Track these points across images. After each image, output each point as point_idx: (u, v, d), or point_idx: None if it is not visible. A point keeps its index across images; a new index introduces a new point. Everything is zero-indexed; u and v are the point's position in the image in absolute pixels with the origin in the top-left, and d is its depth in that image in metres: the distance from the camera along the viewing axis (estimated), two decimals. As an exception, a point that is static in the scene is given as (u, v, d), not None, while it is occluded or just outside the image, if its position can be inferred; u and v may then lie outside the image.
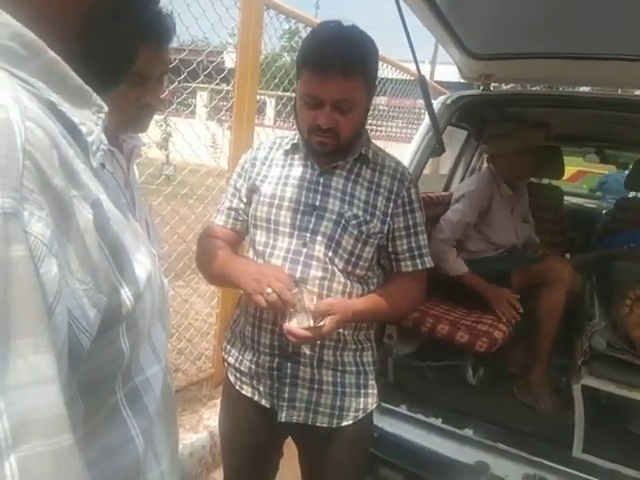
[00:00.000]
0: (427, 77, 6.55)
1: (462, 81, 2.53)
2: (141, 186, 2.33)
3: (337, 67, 1.10)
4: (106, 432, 0.47)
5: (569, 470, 1.65)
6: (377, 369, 1.39)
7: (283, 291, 1.12)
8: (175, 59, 2.35)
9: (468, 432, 1.83)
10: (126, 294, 0.46)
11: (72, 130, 0.43)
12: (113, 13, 0.48)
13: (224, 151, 2.45)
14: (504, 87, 3.08)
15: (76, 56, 0.45)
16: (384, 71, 4.57)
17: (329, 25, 1.18)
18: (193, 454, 2.20)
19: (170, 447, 0.58)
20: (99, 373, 0.44)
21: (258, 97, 2.45)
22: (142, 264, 0.50)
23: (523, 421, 1.94)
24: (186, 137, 2.56)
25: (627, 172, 4.05)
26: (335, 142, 1.20)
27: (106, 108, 0.47)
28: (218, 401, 1.52)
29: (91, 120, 0.46)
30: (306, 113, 1.19)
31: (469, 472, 1.70)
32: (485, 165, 2.81)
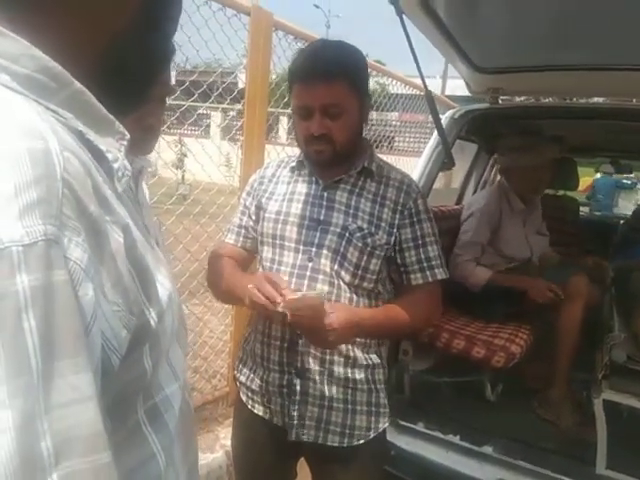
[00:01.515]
0: (438, 92, 6.59)
1: (474, 96, 2.54)
2: (155, 206, 2.38)
3: (320, 73, 1.15)
4: (129, 450, 0.48)
5: None
6: (392, 386, 1.36)
7: (261, 284, 1.11)
8: (186, 81, 2.41)
9: (487, 449, 1.79)
10: (150, 315, 0.47)
11: (99, 158, 0.45)
12: (133, 43, 0.50)
13: (237, 170, 2.48)
14: (517, 100, 3.07)
15: (98, 85, 0.47)
16: (394, 87, 4.61)
17: (315, 43, 1.26)
18: (210, 474, 2.18)
19: (189, 463, 0.58)
20: (123, 391, 0.45)
21: (271, 115, 2.48)
22: (163, 285, 0.51)
23: (544, 437, 1.89)
24: (200, 157, 2.59)
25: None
26: (331, 149, 1.21)
27: (128, 135, 0.49)
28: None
29: (115, 147, 0.47)
30: (301, 125, 1.22)
31: None
32: (497, 178, 2.80)
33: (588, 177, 7.80)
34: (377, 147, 5.39)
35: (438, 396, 2.16)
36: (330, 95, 1.17)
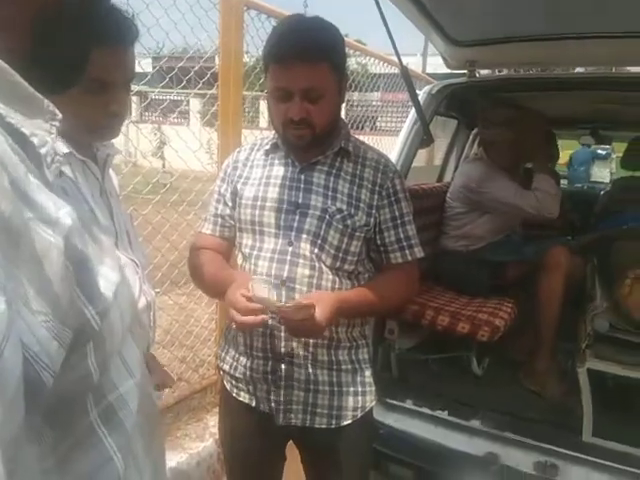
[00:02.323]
0: (419, 70, 6.54)
1: (455, 72, 2.50)
2: (138, 196, 2.33)
3: (299, 55, 1.10)
4: (82, 455, 0.45)
5: (580, 455, 1.62)
6: (379, 365, 1.36)
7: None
8: (165, 67, 2.35)
9: (476, 423, 1.80)
10: (90, 313, 0.43)
11: (23, 143, 0.41)
12: (61, 15, 0.45)
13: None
14: (495, 72, 3.04)
15: (24, 61, 0.42)
16: (375, 67, 4.56)
17: (290, 18, 1.19)
18: (200, 463, 2.18)
19: (153, 459, 0.56)
20: (66, 396, 0.42)
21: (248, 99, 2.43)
22: (107, 278, 0.47)
23: (531, 408, 1.91)
24: (177, 144, 2.55)
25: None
26: (310, 133, 1.18)
27: (60, 115, 0.45)
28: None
29: (44, 129, 0.43)
30: (278, 108, 1.17)
31: (479, 463, 1.67)
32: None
33: (569, 150, 7.94)
34: (360, 128, 5.34)
35: (425, 373, 2.17)
36: (311, 79, 1.12)
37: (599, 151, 8.04)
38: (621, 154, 3.53)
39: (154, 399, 0.60)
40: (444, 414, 1.85)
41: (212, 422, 2.33)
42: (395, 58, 1.86)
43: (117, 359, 0.49)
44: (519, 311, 2.23)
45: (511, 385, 2.11)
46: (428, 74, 6.25)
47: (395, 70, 4.45)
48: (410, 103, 2.01)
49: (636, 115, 3.08)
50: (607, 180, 7.25)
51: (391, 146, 4.94)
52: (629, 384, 1.80)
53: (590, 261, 2.43)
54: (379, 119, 12.12)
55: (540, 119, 2.39)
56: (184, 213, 2.41)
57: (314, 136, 1.18)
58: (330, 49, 1.15)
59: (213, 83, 2.42)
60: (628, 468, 1.55)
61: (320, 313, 1.09)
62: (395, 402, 1.91)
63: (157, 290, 2.48)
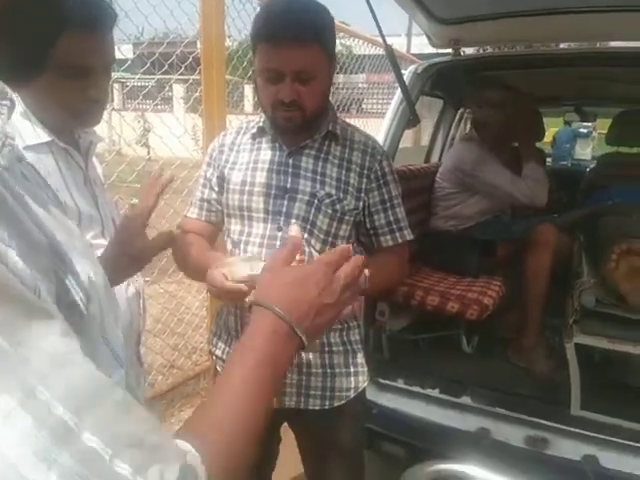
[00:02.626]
0: (404, 50, 6.48)
1: (440, 52, 2.49)
2: (123, 184, 2.30)
3: (292, 36, 1.07)
4: None
5: (569, 428, 1.66)
6: (371, 347, 1.37)
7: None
8: (147, 53, 2.31)
9: (466, 400, 1.83)
10: (79, 296, 0.43)
11: None
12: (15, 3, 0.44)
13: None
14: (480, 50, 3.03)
15: None
16: (361, 48, 4.52)
17: None
18: (195, 449, 2.20)
19: None
20: None
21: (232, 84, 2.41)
22: (81, 263, 0.47)
23: (520, 384, 1.94)
24: (164, 131, 2.52)
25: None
26: (301, 116, 1.16)
27: (10, 94, 0.43)
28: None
29: None
30: (267, 89, 1.15)
31: (470, 439, 1.70)
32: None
33: (554, 128, 8.02)
34: (346, 111, 5.30)
35: (416, 353, 2.19)
36: (303, 60, 1.10)
37: (581, 130, 8.29)
38: (602, 132, 3.55)
39: (138, 393, 0.60)
40: (435, 392, 1.87)
41: (206, 408, 2.34)
42: (380, 39, 1.85)
43: (104, 348, 0.49)
44: (507, 289, 2.26)
45: (500, 362, 2.14)
46: (413, 54, 6.21)
47: (380, 51, 4.42)
48: (396, 84, 2.00)
49: (620, 91, 3.09)
50: (589, 157, 7.51)
51: (378, 129, 4.93)
52: (616, 358, 1.84)
53: (577, 238, 2.46)
54: (365, 101, 12.06)
55: (531, 101, 2.40)
56: (171, 201, 2.39)
57: (304, 119, 1.17)
58: (322, 31, 1.14)
59: (196, 68, 2.39)
60: (616, 439, 1.59)
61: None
62: (387, 382, 1.93)
63: (147, 279, 2.48)
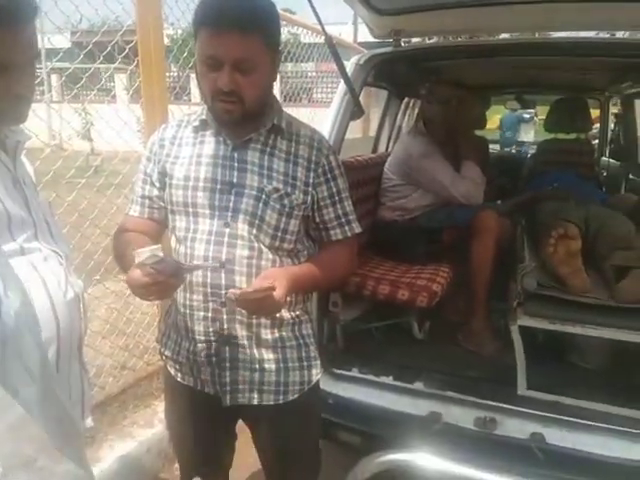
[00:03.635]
0: (350, 39, 6.47)
1: (388, 40, 2.50)
2: (68, 181, 2.20)
3: (234, 23, 1.05)
4: None
5: (516, 408, 1.72)
6: (324, 338, 1.38)
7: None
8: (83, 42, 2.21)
9: (419, 385, 1.87)
10: None
11: None
12: None
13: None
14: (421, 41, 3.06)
15: None
16: (308, 37, 4.48)
17: None
18: (151, 449, 2.16)
19: (66, 466, 0.53)
20: None
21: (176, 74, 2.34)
22: None
23: (470, 367, 2.01)
24: (100, 124, 2.43)
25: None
26: (240, 108, 1.14)
27: None
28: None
29: None
30: (207, 77, 1.12)
31: (423, 423, 1.74)
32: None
33: (497, 115, 8.40)
34: (296, 100, 5.27)
35: (370, 341, 2.22)
36: (244, 49, 1.08)
37: (524, 115, 8.86)
38: (543, 117, 3.68)
39: (66, 405, 0.57)
40: (388, 379, 1.91)
41: (160, 407, 2.29)
42: (326, 28, 1.84)
43: (17, 364, 0.46)
44: (455, 275, 2.32)
45: (451, 346, 2.20)
46: (360, 43, 6.22)
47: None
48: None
49: (556, 78, 3.22)
50: (532, 140, 8.32)
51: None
52: (557, 338, 1.93)
53: (519, 222, 2.55)
54: (315, 90, 12.03)
55: (479, 100, 2.47)
56: (113, 197, 2.31)
57: (243, 111, 1.15)
58: (265, 21, 1.12)
59: (133, 57, 2.31)
60: (560, 416, 1.67)
61: (278, 290, 1.08)
62: (342, 372, 1.95)
63: (96, 277, 2.40)
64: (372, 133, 3.53)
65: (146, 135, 2.14)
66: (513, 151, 5.78)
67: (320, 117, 4.83)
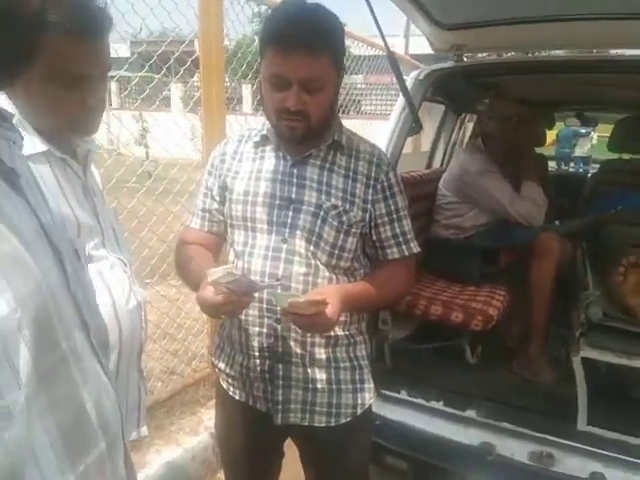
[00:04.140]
0: (402, 51, 6.48)
1: (442, 54, 2.47)
2: (122, 186, 2.27)
3: (303, 44, 1.05)
4: None
5: (575, 444, 1.63)
6: (373, 356, 1.35)
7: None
8: (143, 52, 2.28)
9: (470, 413, 1.80)
10: None
11: None
12: None
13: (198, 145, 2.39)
14: (480, 56, 3.00)
15: None
16: (359, 49, 4.48)
17: (292, 3, 1.12)
18: (195, 457, 2.17)
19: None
20: None
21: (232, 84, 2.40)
22: None
23: (525, 396, 1.92)
24: (162, 132, 2.50)
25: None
26: (305, 126, 1.13)
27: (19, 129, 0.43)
28: (215, 399, 1.48)
29: None
30: (273, 96, 1.12)
31: (474, 454, 1.67)
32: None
33: (551, 131, 8.29)
34: (344, 112, 5.29)
35: (419, 362, 2.16)
36: (313, 70, 1.08)
37: (581, 130, 8.67)
38: (602, 134, 3.53)
39: (87, 411, 0.56)
40: (439, 404, 1.84)
41: (206, 415, 2.31)
42: (377, 40, 1.82)
43: (7, 367, 0.45)
44: (512, 298, 2.24)
45: (505, 373, 2.12)
46: (411, 55, 6.18)
47: (378, 52, 4.39)
48: (395, 85, 1.97)
49: (621, 97, 3.08)
50: (588, 155, 8.63)
51: (374, 128, 4.88)
52: (623, 372, 1.81)
53: (579, 245, 2.43)
54: (363, 102, 12.05)
55: (541, 117, 2.39)
56: (171, 204, 2.36)
57: (308, 129, 1.14)
58: (333, 41, 1.11)
59: (193, 69, 2.36)
60: (623, 456, 1.56)
61: (330, 307, 1.06)
62: (390, 393, 1.90)
63: (147, 281, 2.45)
64: (423, 149, 3.47)
65: (205, 144, 2.18)
66: (571, 169, 5.62)
67: (371, 129, 4.83)
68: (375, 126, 5.15)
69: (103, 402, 0.60)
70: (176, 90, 9.50)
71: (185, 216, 2.43)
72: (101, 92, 1.01)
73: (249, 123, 2.87)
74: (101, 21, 0.94)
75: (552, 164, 5.91)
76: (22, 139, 0.61)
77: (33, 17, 0.49)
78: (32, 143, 0.96)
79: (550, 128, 2.81)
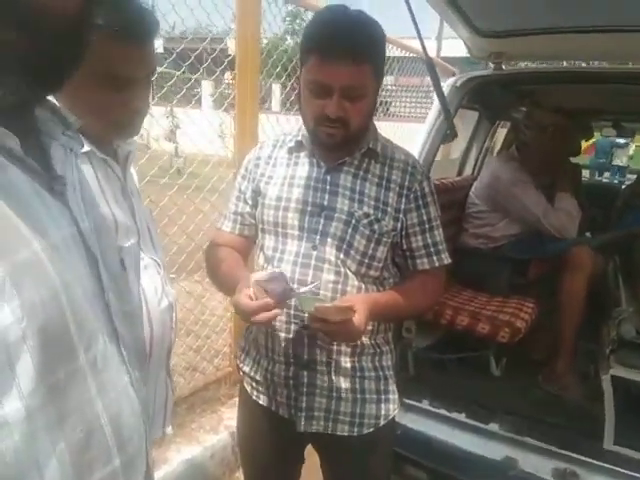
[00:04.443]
0: (433, 54, 6.41)
1: (470, 56, 2.43)
2: (153, 180, 2.30)
3: (347, 52, 1.04)
4: None
5: (601, 463, 1.59)
6: (397, 366, 1.34)
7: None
8: (175, 49, 2.31)
9: (493, 426, 1.77)
10: None
11: None
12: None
13: (229, 144, 2.41)
14: (521, 65, 2.96)
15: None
16: (389, 50, 4.45)
17: (335, 10, 1.11)
18: (214, 455, 2.18)
19: None
20: None
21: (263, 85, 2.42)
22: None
23: (550, 412, 1.88)
24: (192, 128, 2.53)
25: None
26: (343, 133, 1.13)
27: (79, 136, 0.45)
28: (237, 400, 1.49)
29: None
30: (313, 102, 1.12)
31: (496, 468, 1.65)
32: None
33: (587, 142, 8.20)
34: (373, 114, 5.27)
35: (442, 372, 2.14)
36: (355, 78, 1.08)
37: (618, 140, 8.46)
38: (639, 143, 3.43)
39: (100, 426, 0.54)
40: (461, 416, 1.82)
41: (227, 414, 2.33)
42: (409, 41, 1.80)
43: (7, 375, 0.45)
44: (540, 310, 2.19)
45: (530, 386, 2.08)
46: (443, 58, 6.12)
47: (407, 53, 4.35)
48: (423, 87, 1.95)
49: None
50: (625, 164, 8.50)
51: (403, 130, 4.83)
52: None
53: (611, 259, 2.38)
54: (393, 104, 11.97)
55: (579, 128, 2.34)
56: (201, 201, 2.39)
57: (346, 136, 1.14)
58: (376, 49, 1.11)
59: (227, 66, 2.38)
60: None
61: (358, 315, 1.05)
62: (411, 402, 1.89)
63: (172, 276, 2.48)
64: (453, 155, 3.43)
65: (236, 142, 2.21)
66: (605, 179, 5.50)
67: (400, 130, 4.79)
68: (405, 129, 5.12)
69: (124, 417, 0.58)
70: (207, 87, 9.59)
71: (214, 214, 2.46)
72: (145, 94, 1.02)
73: (279, 122, 2.88)
74: (148, 24, 0.95)
75: (585, 173, 5.80)
76: (82, 146, 0.62)
77: (79, 18, 0.50)
78: None
79: (588, 139, 2.73)
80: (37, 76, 0.49)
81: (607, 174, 8.98)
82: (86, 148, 1.00)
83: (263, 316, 1.03)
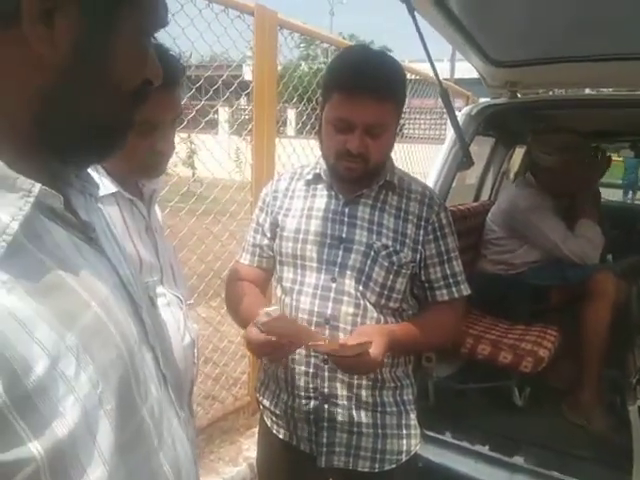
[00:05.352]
0: (446, 75, 6.44)
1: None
2: (165, 205, 2.33)
3: (371, 90, 1.07)
4: None
5: None
6: (417, 396, 1.32)
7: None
8: (192, 76, 2.36)
9: (518, 460, 1.73)
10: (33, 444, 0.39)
11: None
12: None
13: (245, 171, 2.45)
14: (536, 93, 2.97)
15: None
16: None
17: (358, 49, 1.16)
18: (234, 487, 2.16)
19: None
20: None
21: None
22: (76, 391, 0.42)
23: (576, 444, 1.83)
24: (208, 153, 2.59)
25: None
26: (363, 168, 1.15)
27: (36, 191, 0.43)
28: (256, 430, 1.47)
29: (15, 206, 0.42)
30: (335, 138, 1.14)
31: None
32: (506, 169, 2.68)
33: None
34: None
35: (464, 403, 2.10)
36: (378, 115, 1.10)
37: None
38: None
39: (164, 473, 0.53)
40: (484, 449, 1.79)
41: (245, 445, 2.31)
42: (421, 64, 1.82)
43: (90, 445, 0.44)
44: (563, 340, 2.15)
45: (554, 417, 2.03)
46: (457, 80, 6.15)
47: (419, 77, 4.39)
48: (437, 109, 1.97)
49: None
50: None
51: (417, 153, 4.83)
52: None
53: (635, 283, 2.33)
54: (406, 126, 12.04)
55: (591, 144, 2.33)
56: (212, 223, 2.42)
57: (366, 170, 1.16)
58: (398, 88, 1.14)
59: (241, 93, 2.43)
60: None
61: (374, 347, 1.05)
62: (433, 434, 1.85)
63: (190, 302, 2.49)
64: (469, 181, 3.43)
65: (254, 168, 2.24)
66: (625, 202, 5.44)
67: (413, 152, 4.81)
68: (419, 151, 5.14)
69: (180, 461, 0.58)
70: (223, 113, 9.75)
71: (224, 235, 2.48)
72: (171, 137, 1.05)
73: (292, 144, 2.91)
74: (175, 70, 0.98)
75: (608, 190, 5.72)
76: (98, 189, 0.62)
77: (141, 91, 0.55)
78: (102, 185, 1.00)
79: (608, 166, 2.70)
80: (106, 144, 0.52)
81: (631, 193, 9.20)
82: (113, 189, 1.02)
83: (273, 352, 1.05)
